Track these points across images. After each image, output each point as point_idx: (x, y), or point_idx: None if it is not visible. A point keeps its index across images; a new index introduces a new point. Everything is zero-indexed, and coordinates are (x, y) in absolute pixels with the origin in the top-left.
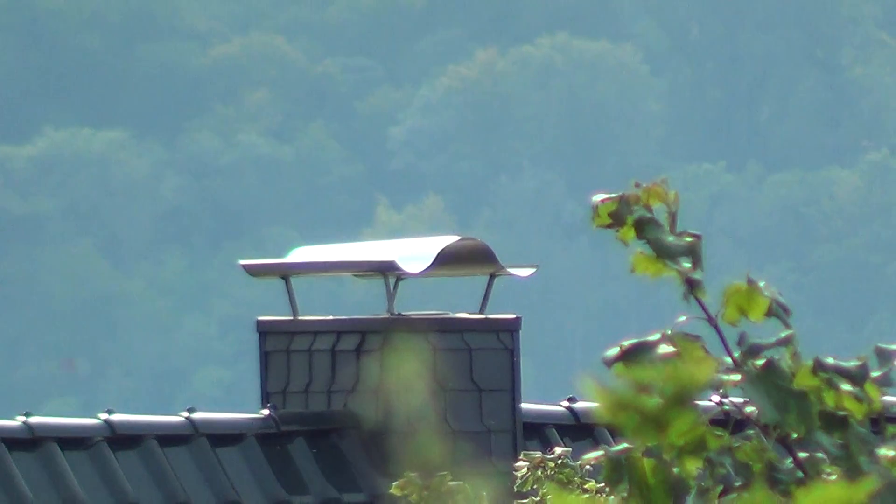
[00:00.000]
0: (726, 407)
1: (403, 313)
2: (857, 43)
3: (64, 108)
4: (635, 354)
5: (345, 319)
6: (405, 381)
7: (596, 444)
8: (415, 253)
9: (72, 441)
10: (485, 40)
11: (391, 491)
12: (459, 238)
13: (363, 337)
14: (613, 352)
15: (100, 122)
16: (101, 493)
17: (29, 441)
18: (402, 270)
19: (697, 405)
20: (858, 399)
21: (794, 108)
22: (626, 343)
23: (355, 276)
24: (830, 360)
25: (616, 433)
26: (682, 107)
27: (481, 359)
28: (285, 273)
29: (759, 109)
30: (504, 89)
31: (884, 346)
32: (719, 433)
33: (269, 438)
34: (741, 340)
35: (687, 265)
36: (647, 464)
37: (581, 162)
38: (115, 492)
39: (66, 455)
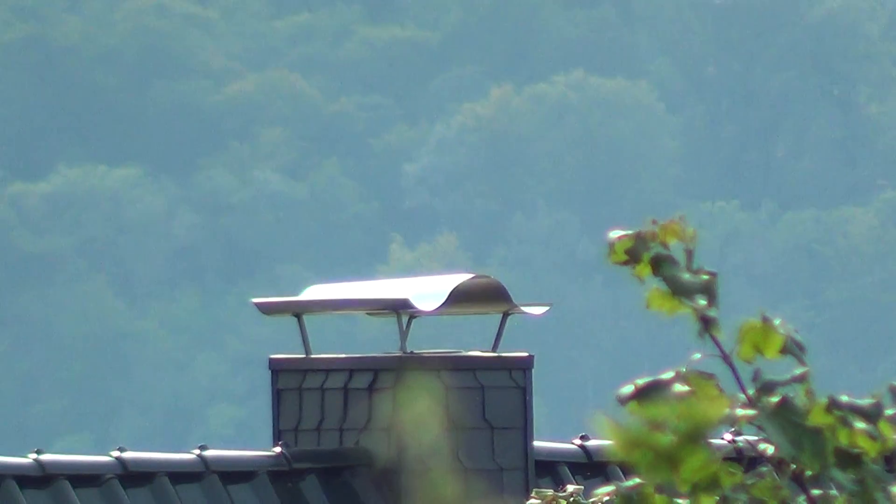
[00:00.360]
0: (740, 444)
1: (416, 351)
2: (873, 80)
3: (78, 144)
4: (650, 393)
5: (357, 357)
6: (417, 419)
7: (608, 481)
8: (428, 291)
9: (83, 478)
10: (500, 78)
11: None
12: (473, 276)
13: (376, 375)
14: (628, 390)
15: (114, 159)
16: None
17: (41, 479)
18: (415, 308)
19: (711, 443)
20: (872, 437)
21: (810, 145)
22: (641, 381)
23: (368, 314)
24: (845, 398)
25: (629, 471)
26: (698, 145)
27: (494, 397)
28: (298, 311)
29: (775, 147)
30: (519, 127)
31: None
32: (733, 470)
33: (280, 476)
34: (756, 377)
35: (702, 302)
36: (659, 500)
37: (595, 200)
38: None
39: (78, 492)
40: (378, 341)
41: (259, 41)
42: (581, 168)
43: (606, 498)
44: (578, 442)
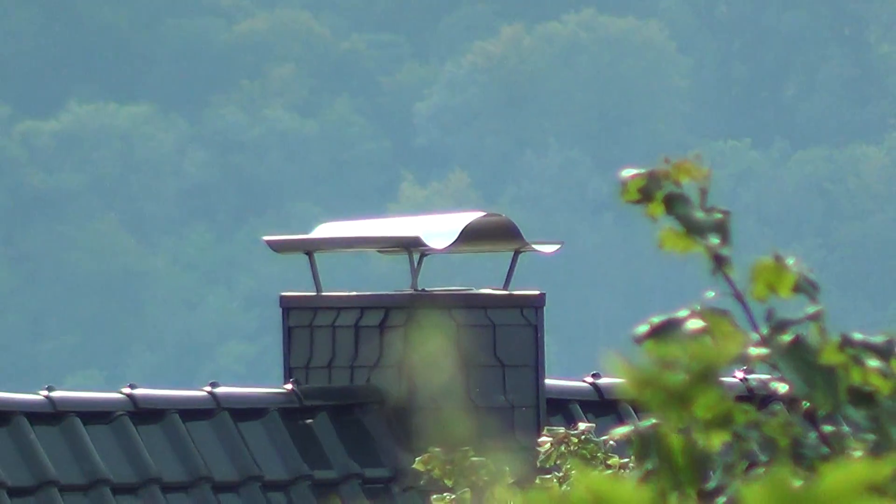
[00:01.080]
0: (752, 383)
1: (427, 289)
2: (884, 21)
3: (88, 82)
4: (665, 331)
5: (368, 295)
6: (429, 357)
7: (620, 420)
8: (439, 229)
9: (94, 415)
10: (511, 17)
11: (414, 466)
12: (484, 214)
13: (387, 313)
14: (643, 328)
15: (125, 96)
16: (123, 467)
17: (51, 415)
18: (426, 246)
19: (723, 381)
20: (885, 375)
21: (821, 85)
22: (656, 320)
23: (379, 251)
24: (858, 336)
25: (640, 410)
26: (709, 84)
27: (505, 335)
28: (309, 249)
29: (786, 87)
30: (530, 66)
31: None
32: (746, 408)
33: (291, 413)
34: (769, 316)
35: (715, 241)
36: (675, 440)
37: (607, 139)
38: (137, 466)
39: (88, 429)
40: (389, 279)
41: None
42: (592, 107)
43: (621, 438)
44: (590, 380)
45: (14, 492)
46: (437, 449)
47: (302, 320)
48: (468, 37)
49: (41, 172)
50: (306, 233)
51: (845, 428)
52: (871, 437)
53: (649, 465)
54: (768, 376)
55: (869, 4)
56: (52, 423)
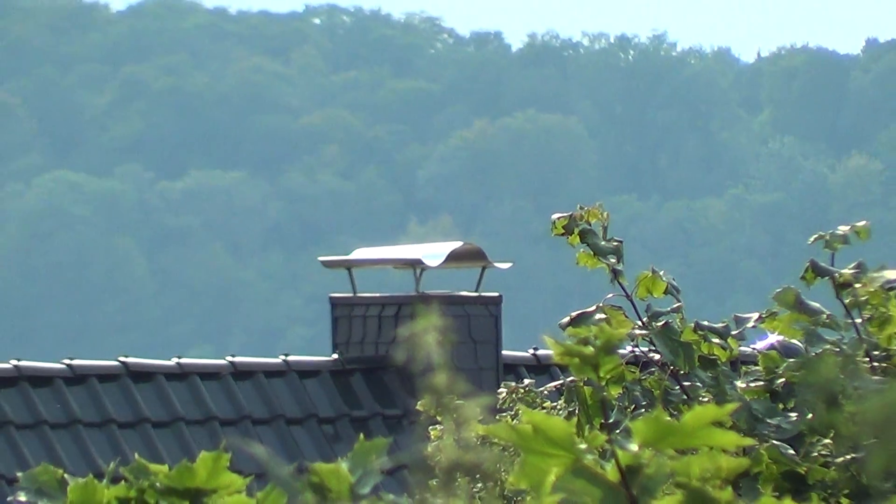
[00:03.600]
0: (637, 353)
1: (425, 292)
2: (723, 117)
3: (204, 155)
4: (580, 320)
5: (387, 296)
6: (425, 338)
7: (552, 378)
8: (433, 252)
9: (208, 374)
10: (480, 114)
11: (417, 407)
12: (462, 243)
13: (399, 307)
14: (566, 319)
15: (227, 165)
16: (227, 408)
17: (180, 374)
18: (424, 264)
19: (618, 352)
20: (723, 348)
21: (682, 158)
22: (574, 313)
23: (394, 267)
24: (705, 323)
25: (565, 371)
26: (609, 157)
27: (476, 322)
28: (348, 266)
29: (659, 159)
30: (493, 146)
31: (739, 315)
32: (633, 370)
33: (337, 373)
34: (648, 309)
35: (613, 260)
36: (587, 390)
37: (543, 194)
38: (235, 407)
39: (205, 384)
40: (401, 286)
41: (322, 89)
42: (534, 173)
43: (552, 388)
44: (532, 352)
45: (156, 424)
46: (431, 396)
47: (343, 312)
48: (453, 127)
49: (172, 216)
50: (346, 255)
51: (698, 384)
52: (713, 390)
53: (571, 408)
54: (647, 349)
55: (713, 105)
56: (181, 380)
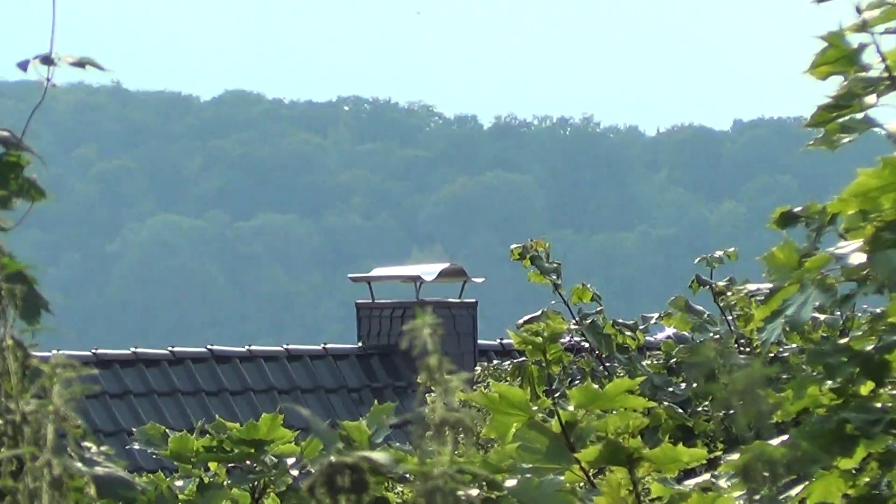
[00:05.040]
0: (572, 342)
1: (423, 299)
2: (634, 174)
3: (267, 203)
4: (532, 320)
5: (396, 301)
6: (423, 331)
7: (513, 360)
8: (429, 271)
9: (269, 357)
10: (462, 173)
11: (417, 380)
12: (450, 264)
13: (404, 310)
14: (522, 319)
15: (283, 210)
16: (282, 381)
17: (249, 357)
18: (422, 279)
19: (559, 342)
20: (633, 339)
21: (605, 204)
22: (527, 316)
23: (401, 282)
24: (620, 321)
25: (522, 354)
26: (553, 204)
27: (459, 320)
28: (369, 280)
29: (588, 204)
30: (471, 197)
31: (645, 315)
32: (569, 355)
33: (361, 356)
34: (580, 312)
35: (554, 277)
36: (535, 369)
37: (506, 231)
38: (290, 382)
39: (267, 364)
40: (406, 294)
41: (350, 155)
42: (499, 216)
43: (509, 366)
44: (499, 341)
45: (233, 393)
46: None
47: (365, 313)
48: (443, 182)
49: (244, 246)
50: (367, 273)
51: (616, 364)
52: (626, 367)
53: (519, 382)
54: (580, 339)
55: (626, 166)
56: (250, 362)
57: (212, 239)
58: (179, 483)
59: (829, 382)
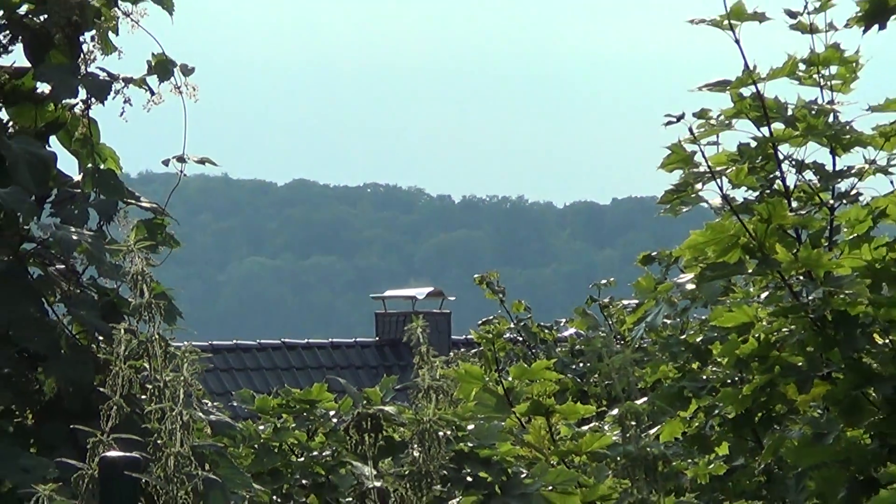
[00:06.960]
0: (512, 337)
1: (417, 310)
2: (550, 234)
3: (316, 249)
4: (486, 323)
5: (400, 312)
6: (418, 330)
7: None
8: (421, 293)
9: (320, 347)
10: (442, 231)
11: (414, 361)
12: (433, 288)
13: (406, 317)
14: (480, 322)
15: (328, 252)
16: (329, 362)
17: (307, 347)
18: (417, 298)
19: (503, 337)
20: (550, 334)
21: (529, 252)
22: (483, 320)
23: (404, 299)
24: (543, 322)
25: (479, 345)
26: (500, 252)
27: (438, 324)
28: (383, 298)
29: (525, 254)
30: (447, 247)
31: (558, 319)
32: (511, 346)
33: (378, 346)
34: (517, 318)
35: (501, 296)
36: (489, 354)
37: (470, 268)
38: (333, 362)
39: (319, 351)
40: (407, 307)
41: (371, 222)
42: (464, 259)
43: (474, 353)
44: (465, 337)
45: (298, 369)
46: (420, 356)
47: (381, 319)
48: (430, 237)
49: (304, 275)
50: (382, 293)
51: (539, 351)
52: (546, 353)
53: (481, 362)
54: (517, 335)
55: (544, 229)
56: (308, 350)
57: (284, 272)
58: (262, 427)
59: (672, 363)
